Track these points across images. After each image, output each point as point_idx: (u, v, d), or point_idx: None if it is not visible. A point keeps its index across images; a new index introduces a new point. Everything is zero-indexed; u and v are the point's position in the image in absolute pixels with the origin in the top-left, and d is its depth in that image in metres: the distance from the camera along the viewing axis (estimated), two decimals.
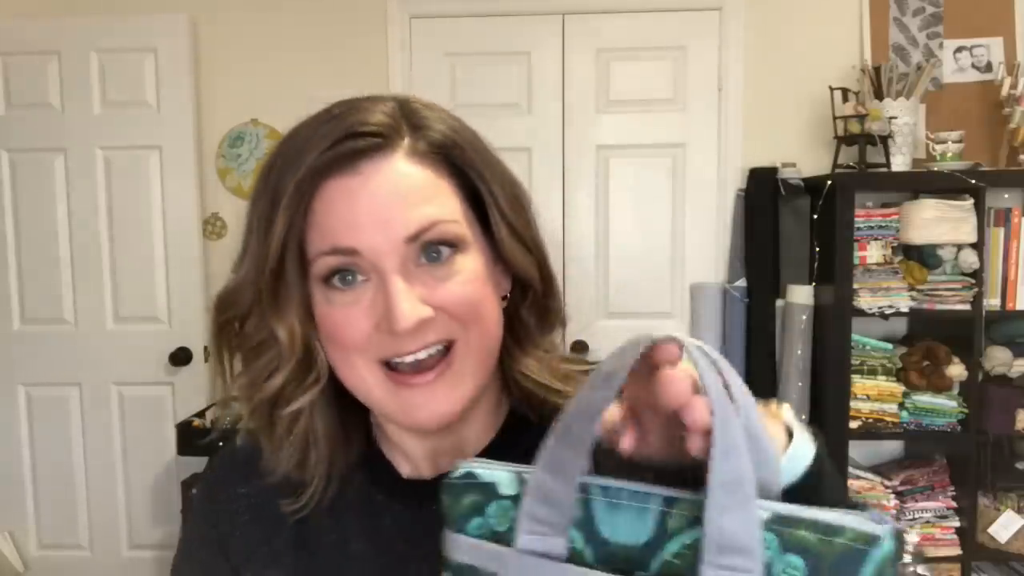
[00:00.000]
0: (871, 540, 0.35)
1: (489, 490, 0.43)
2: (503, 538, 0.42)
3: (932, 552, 2.41)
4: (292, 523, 0.65)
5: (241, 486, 0.68)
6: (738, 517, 0.36)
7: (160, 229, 2.78)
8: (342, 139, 0.55)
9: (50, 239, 2.78)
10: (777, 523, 0.36)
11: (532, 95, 2.77)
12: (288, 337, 0.57)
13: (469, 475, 0.43)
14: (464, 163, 0.59)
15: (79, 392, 2.84)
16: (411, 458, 0.66)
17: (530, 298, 0.63)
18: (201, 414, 2.63)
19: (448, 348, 0.57)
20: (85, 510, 2.88)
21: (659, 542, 0.38)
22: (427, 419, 0.57)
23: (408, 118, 0.58)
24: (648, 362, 0.39)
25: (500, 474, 0.43)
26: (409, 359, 0.56)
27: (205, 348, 2.79)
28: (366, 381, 0.58)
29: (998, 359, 2.44)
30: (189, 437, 2.50)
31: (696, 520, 0.37)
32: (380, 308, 0.55)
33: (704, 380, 0.38)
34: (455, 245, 0.57)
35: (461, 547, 0.43)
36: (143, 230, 2.77)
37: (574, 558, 0.40)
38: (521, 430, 0.64)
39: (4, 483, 2.88)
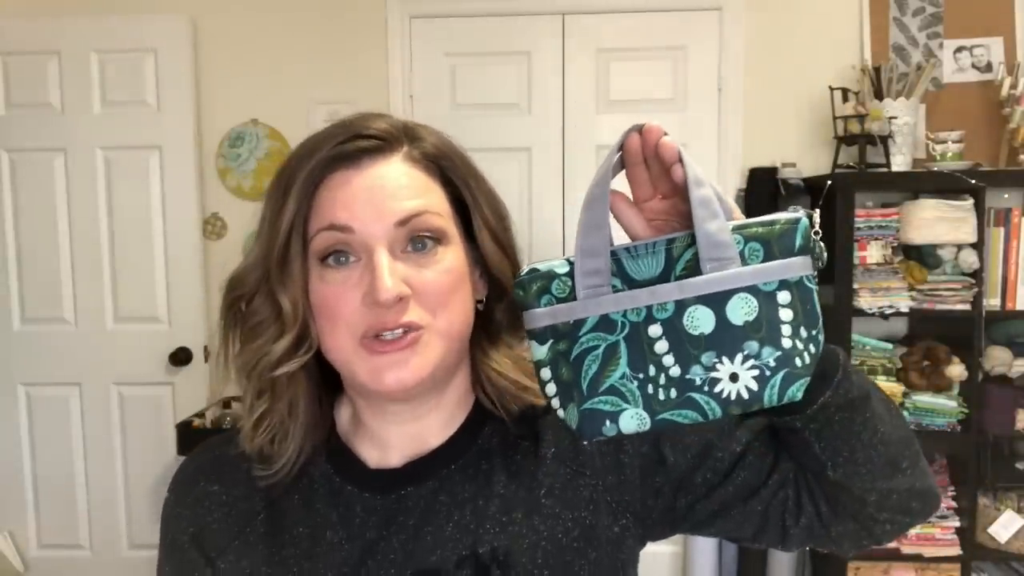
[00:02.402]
0: (795, 220, 0.56)
1: (550, 274, 0.59)
2: (566, 300, 0.58)
3: (932, 552, 2.41)
4: (263, 516, 0.70)
5: (212, 484, 0.73)
6: (716, 223, 0.55)
7: (160, 229, 2.78)
8: (349, 139, 0.64)
9: (50, 239, 2.78)
10: (738, 229, 0.56)
11: (532, 95, 2.77)
12: (292, 307, 0.64)
13: (533, 270, 0.59)
14: (453, 174, 0.68)
15: (79, 392, 2.84)
16: (382, 445, 0.71)
17: (505, 302, 0.70)
18: (201, 414, 2.63)
19: (419, 329, 0.64)
20: (85, 510, 2.88)
21: (671, 265, 0.57)
22: (393, 382, 0.63)
23: (407, 131, 0.67)
24: (640, 152, 0.58)
25: (554, 262, 0.59)
26: (387, 335, 0.63)
27: (205, 348, 2.79)
28: (345, 350, 0.64)
29: (998, 359, 2.44)
30: (189, 437, 2.50)
31: (689, 245, 0.56)
32: (367, 283, 0.62)
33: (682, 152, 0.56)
34: (438, 238, 0.65)
35: (538, 316, 0.59)
36: (143, 230, 2.77)
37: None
38: (484, 422, 0.73)
39: (4, 483, 2.88)
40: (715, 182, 0.57)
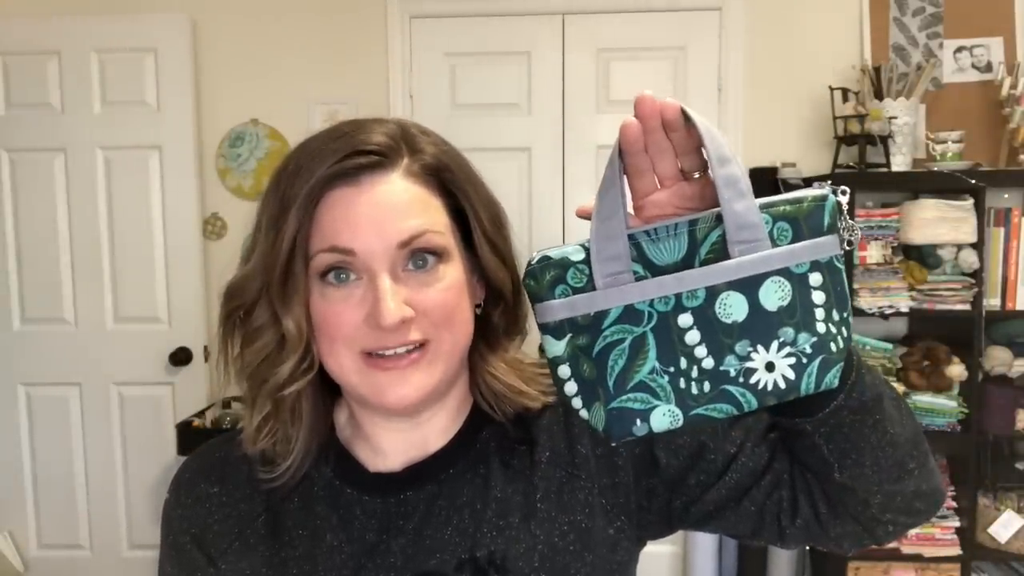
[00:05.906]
0: (823, 197, 0.54)
1: (564, 262, 0.54)
2: (584, 290, 0.54)
3: (932, 552, 2.41)
4: (264, 518, 0.70)
5: (212, 486, 0.73)
6: (743, 203, 0.52)
7: (160, 229, 2.78)
8: (348, 155, 0.62)
9: (50, 239, 2.78)
10: (764, 207, 0.53)
11: (532, 95, 2.77)
12: (296, 329, 0.64)
13: (544, 258, 0.55)
14: (453, 185, 0.67)
15: (79, 392, 2.84)
16: (381, 452, 0.72)
17: (502, 307, 0.70)
18: (201, 414, 2.63)
19: (422, 345, 0.64)
20: (85, 510, 2.88)
21: (695, 249, 0.53)
22: (395, 400, 0.64)
23: (407, 141, 0.65)
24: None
25: (567, 248, 0.55)
26: (388, 352, 0.63)
27: (205, 348, 2.79)
28: (346, 368, 0.64)
29: (998, 359, 2.44)
30: (189, 437, 2.50)
31: (714, 226, 0.53)
32: (369, 304, 0.62)
33: (689, 112, 0.52)
34: (439, 255, 0.64)
35: (553, 309, 0.55)
36: (143, 230, 2.77)
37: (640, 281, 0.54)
38: (481, 425, 0.73)
39: (4, 483, 2.88)
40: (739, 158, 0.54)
